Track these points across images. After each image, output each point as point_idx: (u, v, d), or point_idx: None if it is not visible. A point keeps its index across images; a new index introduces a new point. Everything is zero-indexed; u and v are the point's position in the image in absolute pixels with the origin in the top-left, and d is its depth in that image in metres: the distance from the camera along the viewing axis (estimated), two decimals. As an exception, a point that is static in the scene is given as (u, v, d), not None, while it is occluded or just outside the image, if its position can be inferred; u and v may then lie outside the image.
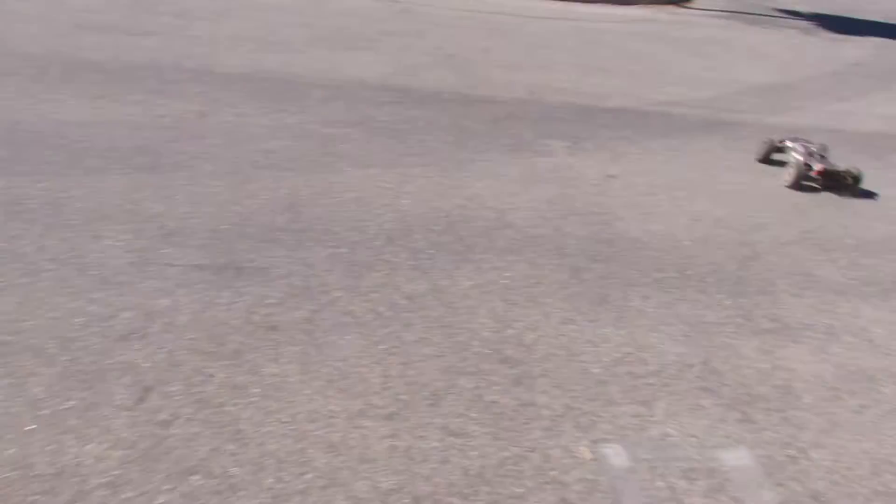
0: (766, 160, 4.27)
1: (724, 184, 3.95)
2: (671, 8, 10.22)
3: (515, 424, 1.89)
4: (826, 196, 3.93)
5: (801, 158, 3.93)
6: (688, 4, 10.68)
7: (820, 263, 3.13)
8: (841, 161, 4.02)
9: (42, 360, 1.91)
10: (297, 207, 3.05)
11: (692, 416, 2.01)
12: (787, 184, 3.95)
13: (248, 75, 4.79)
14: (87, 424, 1.71)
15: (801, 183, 3.94)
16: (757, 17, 10.49)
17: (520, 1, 9.27)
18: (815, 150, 4.01)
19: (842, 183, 3.93)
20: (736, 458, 1.86)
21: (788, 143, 4.13)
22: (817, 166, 3.89)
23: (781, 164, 4.12)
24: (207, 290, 2.35)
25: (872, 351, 2.50)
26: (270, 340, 2.13)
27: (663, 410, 2.02)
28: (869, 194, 4.02)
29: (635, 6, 9.85)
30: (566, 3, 9.45)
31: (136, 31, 5.50)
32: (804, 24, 10.40)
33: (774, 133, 4.37)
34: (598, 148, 4.30)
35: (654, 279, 2.82)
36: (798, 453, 1.90)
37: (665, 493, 1.71)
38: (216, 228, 2.78)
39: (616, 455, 1.82)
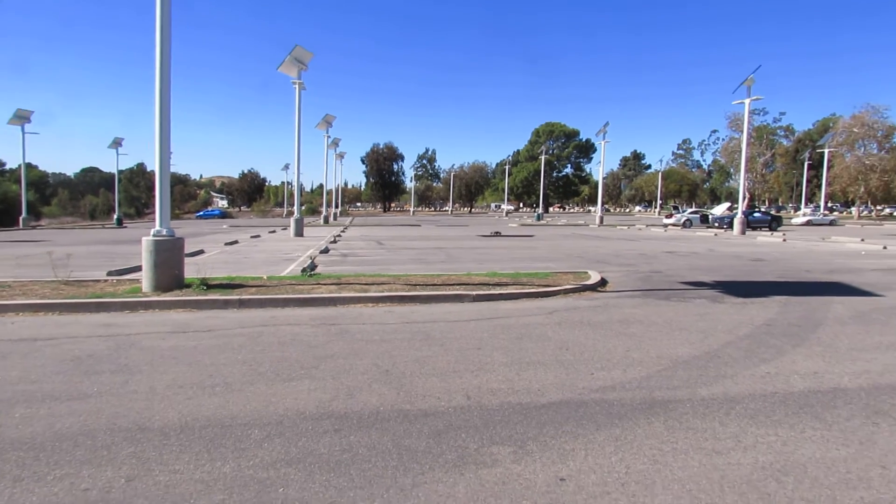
0: None
1: (677, 475, 3.90)
2: (589, 294, 11.13)
3: None
4: None
5: None
6: (602, 289, 11.68)
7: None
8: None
9: None
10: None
11: None
12: None
13: (185, 425, 4.72)
14: None
15: None
16: (667, 291, 11.48)
17: (451, 306, 9.93)
18: None
19: None
20: None
21: None
22: None
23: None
24: None
25: None
26: None
27: None
28: None
29: (555, 297, 10.68)
30: (491, 302, 10.17)
31: (71, 395, 5.48)
32: (710, 292, 11.42)
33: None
34: (543, 448, 4.27)
35: None
36: None
37: None
38: None
39: None
